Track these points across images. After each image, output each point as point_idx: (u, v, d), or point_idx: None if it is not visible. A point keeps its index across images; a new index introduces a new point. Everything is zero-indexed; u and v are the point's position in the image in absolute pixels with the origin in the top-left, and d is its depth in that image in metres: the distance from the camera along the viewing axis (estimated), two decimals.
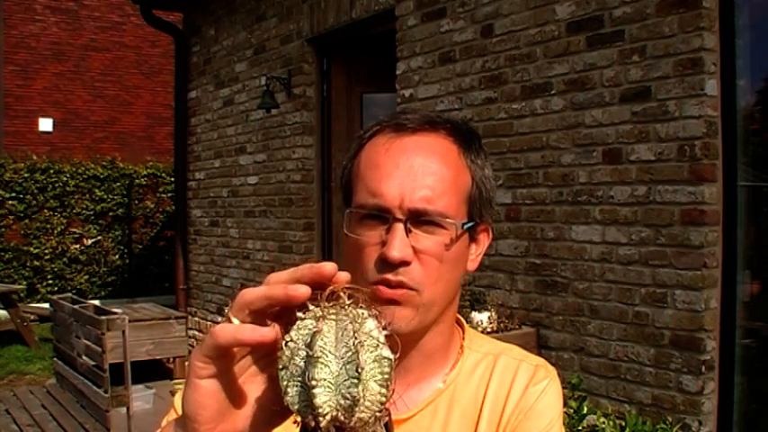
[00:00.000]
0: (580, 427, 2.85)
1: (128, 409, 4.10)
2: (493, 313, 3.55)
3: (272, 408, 0.62)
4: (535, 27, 3.59)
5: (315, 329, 0.59)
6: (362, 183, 0.86)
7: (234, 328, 0.58)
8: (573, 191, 3.41)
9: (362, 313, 0.60)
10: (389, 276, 0.82)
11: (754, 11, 3.07)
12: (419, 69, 4.28)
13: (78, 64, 13.75)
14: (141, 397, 5.27)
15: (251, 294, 0.60)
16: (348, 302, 0.60)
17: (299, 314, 0.60)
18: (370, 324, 0.59)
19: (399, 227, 0.82)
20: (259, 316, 0.60)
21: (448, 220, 0.84)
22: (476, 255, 0.94)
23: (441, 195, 0.84)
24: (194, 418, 0.60)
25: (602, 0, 3.27)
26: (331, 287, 0.61)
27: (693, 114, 2.92)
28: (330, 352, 0.58)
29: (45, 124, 13.37)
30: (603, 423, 2.85)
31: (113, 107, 14.06)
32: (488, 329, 3.46)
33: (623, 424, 2.90)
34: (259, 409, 0.62)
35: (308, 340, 0.59)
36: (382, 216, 0.83)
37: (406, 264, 0.82)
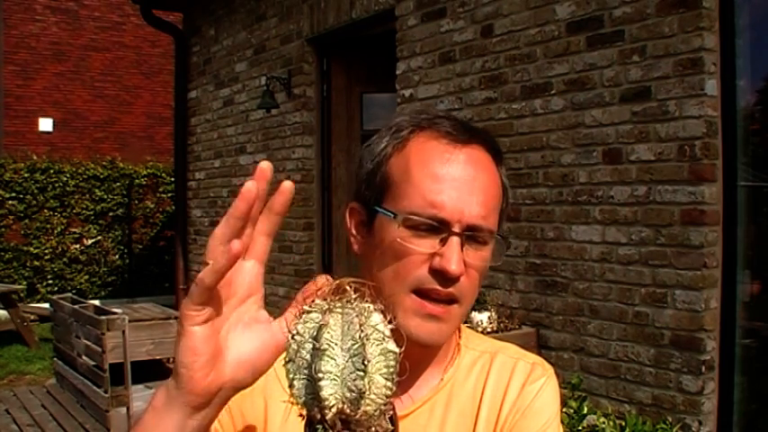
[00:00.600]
0: (580, 427, 2.85)
1: (128, 409, 4.09)
2: (493, 313, 3.55)
3: (257, 352, 0.64)
4: (535, 27, 3.59)
5: (321, 322, 0.59)
6: (416, 189, 0.84)
7: (211, 265, 0.61)
8: (573, 191, 3.41)
9: (368, 307, 0.60)
10: (440, 288, 0.83)
11: (754, 11, 3.07)
12: (419, 69, 4.28)
13: (78, 64, 13.75)
14: (141, 397, 5.27)
15: (218, 229, 0.62)
16: (354, 296, 0.60)
17: (306, 307, 0.61)
18: (376, 318, 0.60)
19: (457, 241, 0.82)
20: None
21: (492, 236, 0.86)
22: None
23: (491, 212, 0.86)
24: (190, 366, 0.62)
25: (602, 0, 3.27)
26: (338, 281, 0.61)
27: (693, 114, 2.92)
28: (336, 344, 0.59)
29: (45, 124, 13.37)
30: (603, 423, 2.86)
31: (113, 107, 14.06)
32: (488, 329, 3.46)
33: (623, 424, 2.90)
34: (244, 354, 0.64)
35: (315, 333, 0.59)
36: (437, 227, 0.83)
37: (459, 278, 0.83)
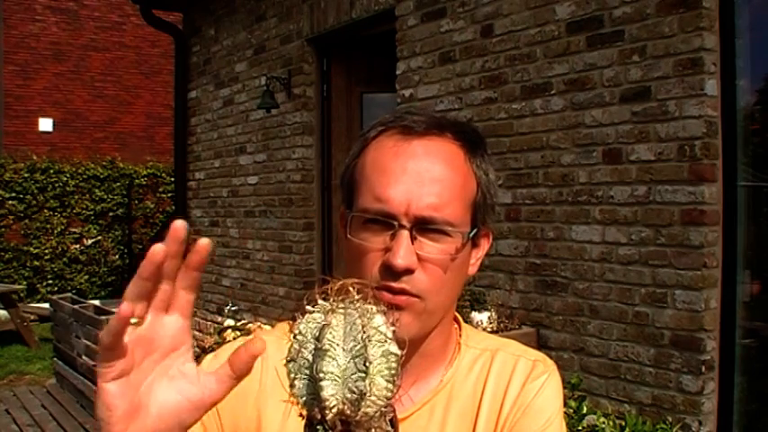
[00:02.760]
0: (580, 427, 2.85)
1: None
2: (493, 313, 3.55)
3: (181, 405, 0.63)
4: (535, 27, 3.59)
5: (324, 323, 0.59)
6: (367, 186, 0.84)
7: (110, 321, 0.60)
8: (573, 191, 3.41)
9: (371, 309, 0.60)
10: (392, 284, 0.81)
11: (754, 11, 3.07)
12: (419, 69, 4.28)
13: (78, 64, 13.75)
14: None
15: (128, 287, 0.62)
16: (357, 297, 0.60)
17: (309, 307, 0.61)
18: (379, 320, 0.60)
19: (405, 234, 0.81)
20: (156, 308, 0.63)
21: (454, 228, 0.84)
22: (476, 259, 0.93)
23: (448, 203, 0.83)
24: (106, 420, 0.62)
25: (602, 0, 3.27)
26: (341, 282, 0.61)
27: (693, 114, 2.92)
28: (338, 345, 0.58)
29: (45, 124, 13.37)
30: (603, 423, 2.85)
31: (113, 107, 14.06)
32: (488, 329, 3.46)
33: (623, 424, 2.90)
34: (168, 408, 0.63)
35: (317, 333, 0.59)
36: (387, 222, 0.82)
37: (410, 272, 0.81)
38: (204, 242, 0.62)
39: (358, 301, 0.60)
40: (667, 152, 3.02)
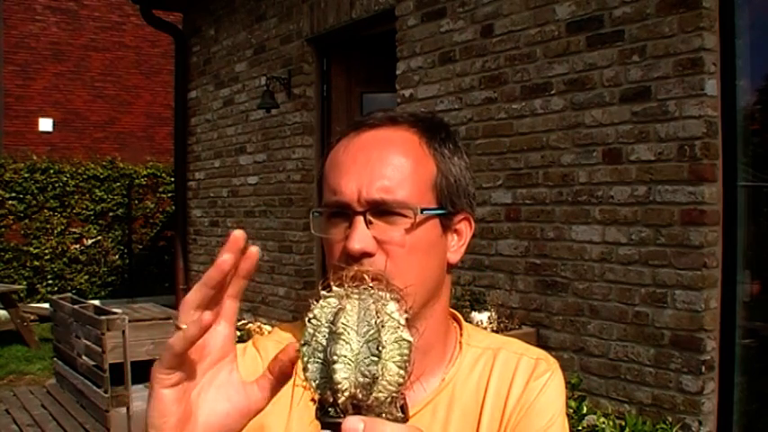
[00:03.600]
0: (580, 427, 2.85)
1: (128, 409, 4.09)
2: (493, 313, 3.55)
3: (228, 413, 0.64)
4: (535, 27, 3.58)
5: (338, 307, 0.60)
6: (326, 183, 0.87)
7: (182, 332, 0.61)
8: (573, 191, 3.41)
9: (385, 295, 0.61)
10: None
11: (754, 11, 3.07)
12: (419, 69, 4.28)
13: (78, 64, 13.75)
14: (141, 397, 5.26)
15: (190, 294, 0.63)
16: (372, 284, 0.61)
17: (323, 293, 0.62)
18: (393, 306, 0.60)
19: (359, 219, 0.82)
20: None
21: (409, 209, 0.84)
22: (457, 246, 0.91)
23: (400, 184, 0.84)
24: (160, 427, 0.62)
25: (602, 0, 3.27)
26: (355, 268, 0.62)
27: (693, 114, 2.92)
28: (353, 329, 0.59)
29: (45, 124, 13.37)
30: (603, 423, 2.85)
31: (113, 107, 14.05)
32: (488, 330, 3.46)
33: (623, 424, 2.90)
34: (216, 416, 0.64)
35: (332, 318, 0.60)
36: (344, 212, 0.84)
37: (368, 255, 0.82)
38: (254, 250, 0.63)
39: (372, 287, 0.61)
40: (667, 152, 3.02)
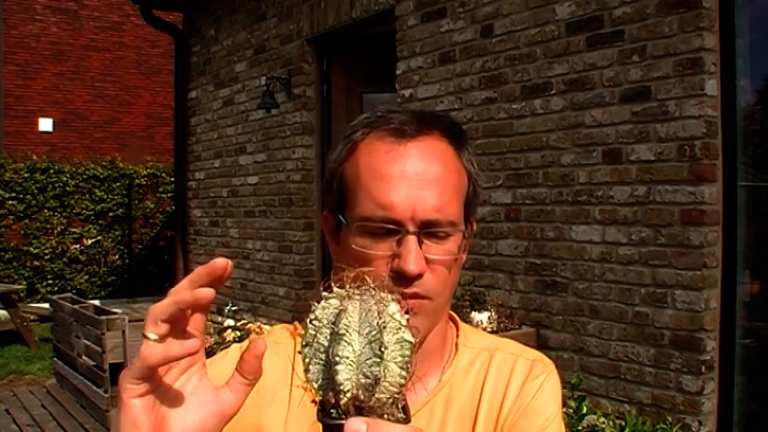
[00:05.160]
0: (580, 427, 2.85)
1: None
2: (493, 313, 3.55)
3: (203, 419, 0.64)
4: (535, 27, 3.58)
5: (340, 308, 0.60)
6: (366, 193, 0.83)
7: (162, 347, 0.60)
8: (573, 191, 3.41)
9: (387, 296, 0.60)
10: (405, 290, 0.80)
11: (754, 11, 3.07)
12: (419, 69, 4.28)
13: (78, 64, 13.75)
14: None
15: (160, 306, 0.61)
16: (373, 285, 0.61)
17: (325, 293, 0.61)
18: (394, 307, 0.60)
19: (413, 239, 0.81)
20: (174, 328, 0.62)
21: (455, 228, 0.84)
22: (465, 251, 0.92)
23: (448, 203, 0.83)
24: None
25: (602, 0, 3.27)
26: (356, 270, 0.62)
27: (693, 114, 2.92)
28: (354, 330, 0.59)
29: (45, 124, 13.37)
30: (603, 423, 2.85)
31: (113, 107, 14.05)
32: (488, 329, 3.46)
33: (623, 424, 2.90)
34: (190, 423, 0.64)
35: (333, 319, 0.59)
36: (392, 229, 0.81)
37: (420, 276, 0.81)
38: (221, 262, 0.61)
39: (374, 288, 0.61)
40: (667, 152, 3.02)
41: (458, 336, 0.96)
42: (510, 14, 3.71)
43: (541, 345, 3.52)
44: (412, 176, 0.82)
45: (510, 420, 0.89)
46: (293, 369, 0.88)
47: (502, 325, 3.51)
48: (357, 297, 0.60)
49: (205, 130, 6.73)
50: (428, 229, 0.82)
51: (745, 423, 2.96)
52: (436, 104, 4.14)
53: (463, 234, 0.87)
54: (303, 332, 0.61)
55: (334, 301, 0.61)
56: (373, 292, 0.60)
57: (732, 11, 2.91)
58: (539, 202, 3.58)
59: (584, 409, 2.91)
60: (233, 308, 5.89)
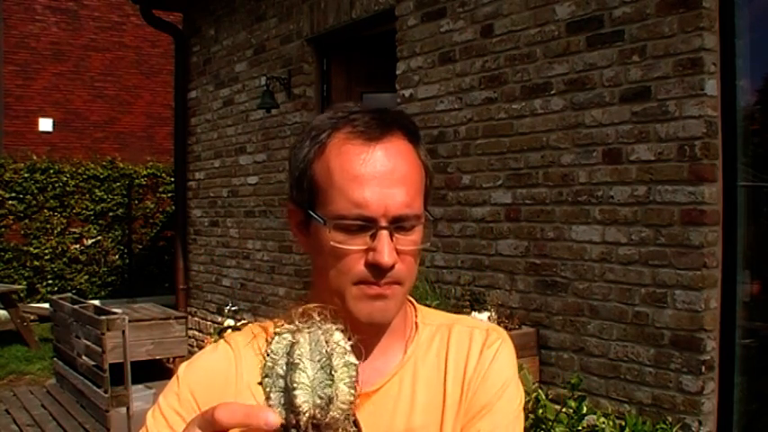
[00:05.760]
0: (580, 427, 2.85)
1: (128, 409, 4.09)
2: (493, 313, 3.55)
3: None
4: (535, 27, 3.59)
5: (293, 341, 0.69)
6: (341, 192, 0.89)
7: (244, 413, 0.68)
8: (573, 191, 3.41)
9: (331, 327, 0.70)
10: (380, 280, 0.91)
11: (754, 11, 3.07)
12: (419, 69, 4.28)
13: (78, 64, 13.74)
14: (141, 397, 5.27)
15: (231, 415, 0.68)
16: (319, 318, 0.70)
17: (277, 330, 0.71)
18: (339, 335, 0.70)
19: (386, 233, 0.89)
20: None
21: (419, 220, 0.93)
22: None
23: (414, 198, 0.92)
24: None
25: (602, 0, 3.27)
26: (303, 307, 0.71)
27: (693, 114, 2.92)
28: (307, 359, 0.68)
29: (45, 124, 13.37)
30: (603, 423, 2.85)
31: (113, 107, 14.05)
32: None
33: (623, 424, 2.89)
34: None
35: (287, 351, 0.69)
36: (366, 225, 0.89)
37: (393, 266, 0.90)
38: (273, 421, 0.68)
39: (320, 321, 0.70)
40: (667, 152, 3.02)
41: (416, 315, 1.04)
42: (510, 14, 3.71)
43: (541, 345, 3.52)
44: (382, 176, 0.90)
45: (473, 386, 0.97)
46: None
47: (502, 325, 3.51)
48: (306, 330, 0.70)
49: (205, 130, 6.73)
50: (398, 224, 0.90)
51: (745, 423, 2.96)
52: (436, 104, 4.14)
53: (423, 225, 0.95)
54: (262, 364, 0.71)
55: (286, 336, 0.70)
56: (319, 324, 0.70)
57: (732, 11, 2.91)
58: (539, 202, 3.58)
59: (584, 409, 2.91)
60: (233, 308, 5.90)
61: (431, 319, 1.05)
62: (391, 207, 0.89)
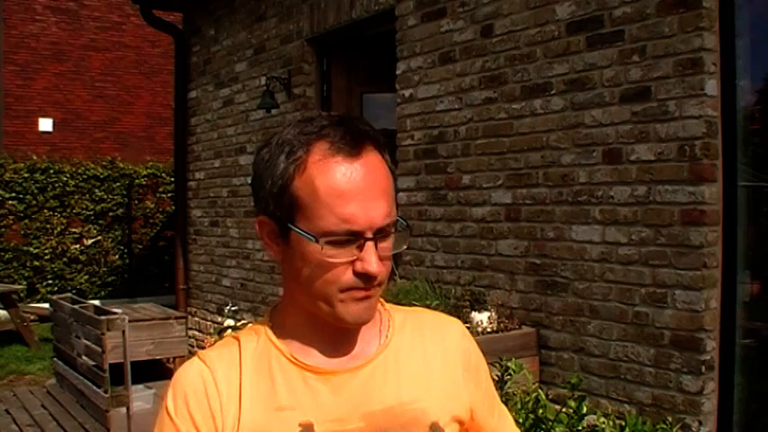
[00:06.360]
0: (580, 427, 2.85)
1: (128, 409, 4.10)
2: (493, 313, 3.55)
3: None
4: (535, 27, 3.58)
5: None
6: (328, 209, 0.94)
7: None
8: (573, 191, 3.41)
9: None
10: (369, 286, 0.98)
11: (754, 11, 3.07)
12: (419, 69, 4.28)
13: (78, 64, 13.74)
14: (141, 397, 5.27)
15: None
16: None
17: None
18: None
19: (371, 244, 0.96)
20: None
21: (395, 224, 1.00)
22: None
23: (391, 208, 0.99)
24: None
25: (602, 0, 3.27)
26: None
27: (693, 114, 2.92)
28: None
29: (45, 124, 13.37)
30: (603, 423, 2.85)
31: (113, 107, 14.05)
32: (488, 329, 3.46)
33: (623, 424, 2.89)
34: None
35: None
36: (352, 239, 0.95)
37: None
38: None
39: None
40: (667, 152, 3.02)
41: (383, 304, 1.12)
42: (510, 14, 3.71)
43: (541, 345, 3.52)
44: (365, 191, 0.95)
45: (471, 378, 1.11)
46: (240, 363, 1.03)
47: (502, 325, 3.51)
48: None
49: (205, 130, 6.73)
50: (380, 233, 0.97)
51: (745, 423, 2.96)
52: (436, 104, 4.14)
53: (395, 228, 1.01)
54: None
55: None
56: None
57: (732, 11, 2.91)
58: (539, 202, 3.58)
59: (584, 409, 2.90)
60: (233, 308, 5.90)
61: (395, 307, 1.15)
62: (375, 219, 0.95)
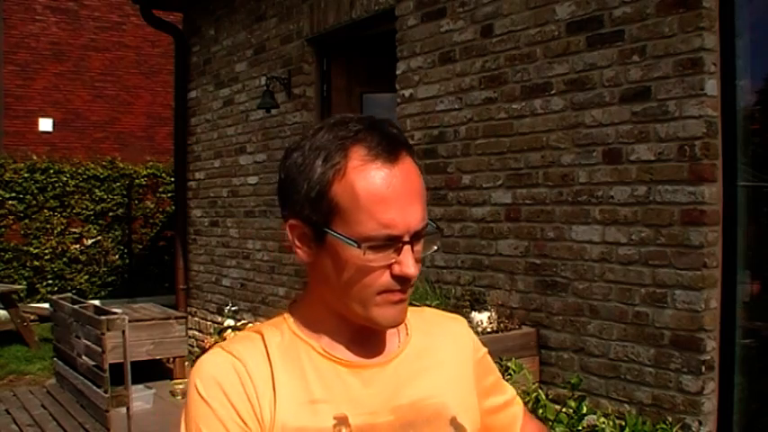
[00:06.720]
0: (580, 427, 2.85)
1: (128, 409, 4.09)
2: (493, 313, 3.55)
3: None
4: (535, 27, 3.58)
5: None
6: (369, 215, 0.96)
7: None
8: (573, 191, 3.41)
9: None
10: (405, 287, 1.01)
11: (754, 11, 3.07)
12: (419, 69, 4.28)
13: (78, 64, 13.75)
14: (141, 397, 5.27)
15: None
16: None
17: None
18: None
19: (409, 248, 0.98)
20: None
21: (428, 224, 1.02)
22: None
23: (425, 210, 1.01)
24: None
25: (602, 0, 3.27)
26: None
27: (693, 114, 2.92)
28: None
29: (45, 124, 13.37)
30: (603, 423, 2.85)
31: (113, 107, 14.05)
32: (488, 329, 3.46)
33: (623, 424, 2.89)
34: None
35: None
36: (391, 243, 0.97)
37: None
38: None
39: None
40: (667, 152, 3.02)
41: None
42: (510, 14, 3.71)
43: (541, 345, 3.52)
44: (403, 196, 0.97)
45: (478, 373, 1.15)
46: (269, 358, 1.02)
47: (502, 325, 3.51)
48: None
49: (205, 130, 6.73)
50: (416, 237, 0.99)
51: (745, 423, 2.96)
52: (436, 104, 4.14)
53: (419, 233, 1.01)
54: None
55: None
56: None
57: (732, 11, 2.91)
58: (539, 202, 3.58)
59: (584, 409, 2.91)
60: (233, 308, 5.90)
61: None
62: (412, 224, 0.98)
